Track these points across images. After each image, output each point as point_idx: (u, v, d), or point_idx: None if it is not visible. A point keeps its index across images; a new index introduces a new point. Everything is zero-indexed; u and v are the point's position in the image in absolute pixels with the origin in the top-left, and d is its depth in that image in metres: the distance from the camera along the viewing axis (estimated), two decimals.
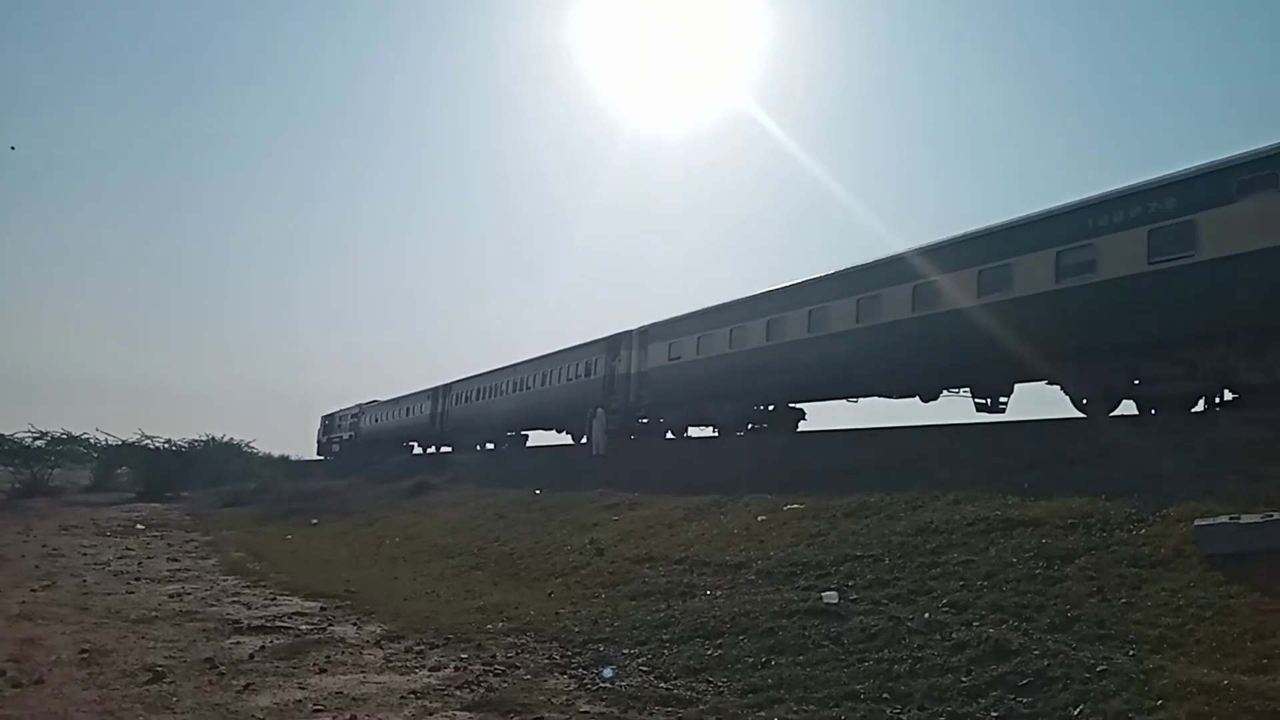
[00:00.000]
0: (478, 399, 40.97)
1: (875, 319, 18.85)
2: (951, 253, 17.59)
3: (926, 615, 8.04)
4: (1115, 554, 8.29)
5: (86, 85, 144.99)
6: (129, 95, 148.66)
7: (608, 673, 8.04)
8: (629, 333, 29.15)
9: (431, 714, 7.01)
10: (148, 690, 7.50)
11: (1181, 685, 5.81)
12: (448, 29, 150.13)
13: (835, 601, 8.87)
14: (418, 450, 50.14)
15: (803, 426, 23.96)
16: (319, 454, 64.75)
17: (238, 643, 9.53)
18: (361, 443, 56.59)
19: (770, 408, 24.05)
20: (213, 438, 48.94)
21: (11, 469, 38.51)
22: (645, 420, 28.95)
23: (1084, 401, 15.82)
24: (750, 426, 24.50)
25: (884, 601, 8.71)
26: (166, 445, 44.70)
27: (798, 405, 24.02)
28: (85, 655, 8.72)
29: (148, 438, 43.86)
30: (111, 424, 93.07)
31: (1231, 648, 6.28)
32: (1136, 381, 14.66)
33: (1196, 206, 13.18)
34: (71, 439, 41.78)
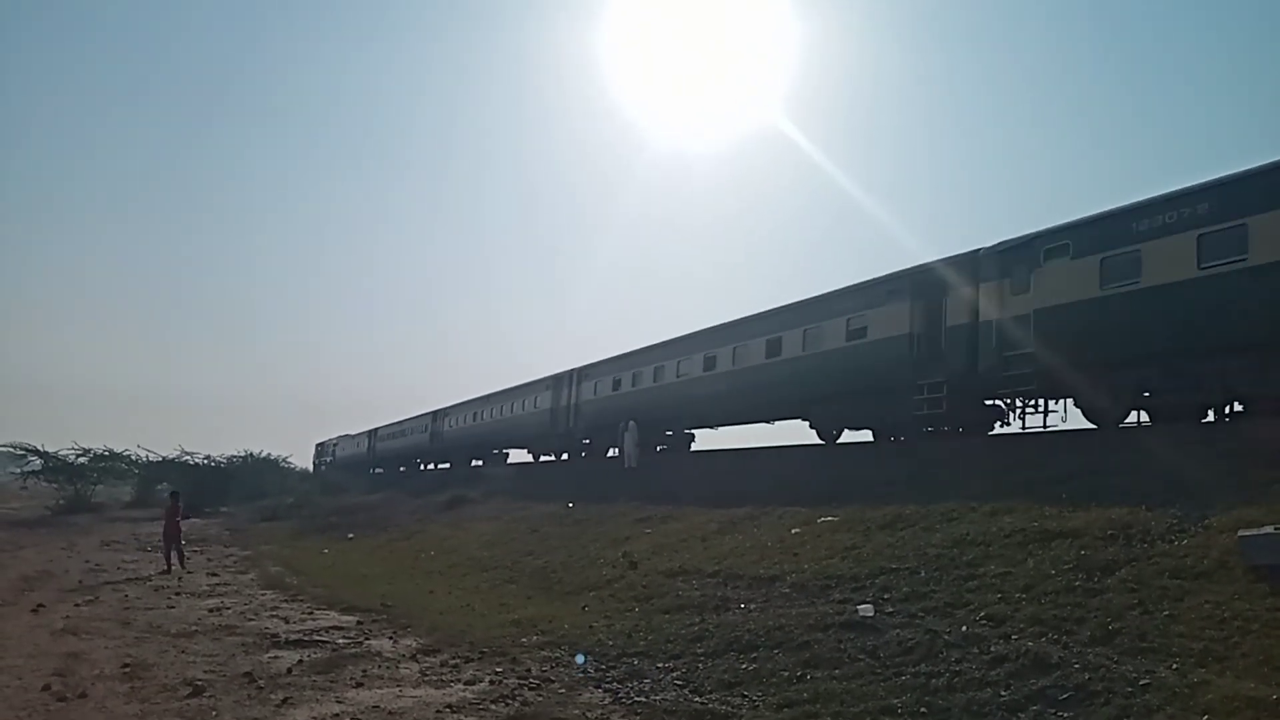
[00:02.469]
0: (390, 439, 57.33)
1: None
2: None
3: (964, 628, 7.94)
4: (1157, 565, 8.14)
5: (122, 106, 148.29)
6: (163, 117, 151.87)
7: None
8: (441, 411, 45.95)
9: None
10: (188, 704, 7.62)
11: (1227, 699, 5.70)
12: (477, 44, 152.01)
13: (871, 615, 8.79)
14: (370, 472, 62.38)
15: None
16: (313, 473, 73.22)
17: (276, 657, 9.65)
18: (338, 466, 69.13)
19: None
20: (251, 454, 49.94)
21: (55, 485, 39.16)
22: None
23: None
24: None
25: (920, 614, 8.61)
26: (206, 461, 45.48)
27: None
28: (127, 669, 8.88)
29: (187, 454, 44.72)
30: (149, 439, 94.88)
31: (1279, 661, 6.14)
32: None
33: None
34: (113, 455, 42.47)
